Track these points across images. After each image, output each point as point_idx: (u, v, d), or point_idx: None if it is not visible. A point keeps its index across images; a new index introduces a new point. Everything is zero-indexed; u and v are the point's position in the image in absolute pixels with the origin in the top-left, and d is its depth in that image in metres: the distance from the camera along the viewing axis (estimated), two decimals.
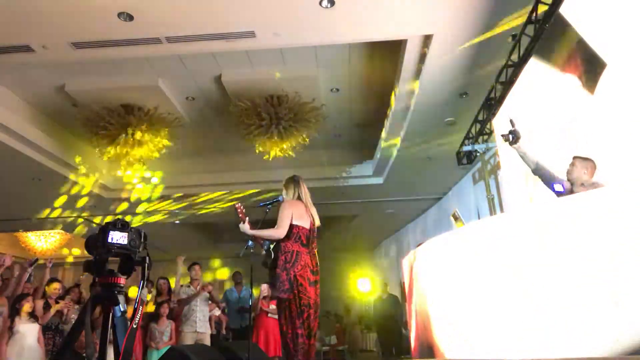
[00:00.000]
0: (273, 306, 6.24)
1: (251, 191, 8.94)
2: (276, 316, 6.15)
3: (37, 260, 4.69)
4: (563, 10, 3.62)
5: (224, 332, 6.27)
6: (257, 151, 6.74)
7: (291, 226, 3.27)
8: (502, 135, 3.30)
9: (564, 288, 2.04)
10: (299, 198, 3.44)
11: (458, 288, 2.70)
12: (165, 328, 5.36)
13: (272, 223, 3.39)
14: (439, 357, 2.87)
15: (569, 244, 2.03)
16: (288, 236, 3.27)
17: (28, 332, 4.41)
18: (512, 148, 3.22)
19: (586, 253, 1.97)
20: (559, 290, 2.05)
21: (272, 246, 3.35)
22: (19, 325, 4.38)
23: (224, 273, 15.45)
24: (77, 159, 7.52)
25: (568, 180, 2.98)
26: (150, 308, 5.75)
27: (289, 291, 3.10)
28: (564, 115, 3.71)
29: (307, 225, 3.33)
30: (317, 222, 3.47)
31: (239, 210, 3.46)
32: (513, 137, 3.13)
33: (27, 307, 4.45)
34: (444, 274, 2.88)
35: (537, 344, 2.09)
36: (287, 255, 3.19)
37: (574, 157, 3.00)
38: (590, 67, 3.30)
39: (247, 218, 3.38)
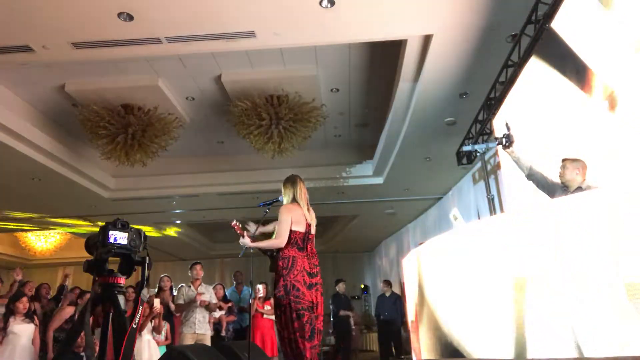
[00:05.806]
0: (268, 307, 6.23)
1: (251, 191, 8.93)
2: (272, 317, 6.17)
3: None
4: (562, 11, 3.61)
5: (223, 333, 6.24)
6: (257, 151, 6.73)
7: (289, 232, 3.29)
8: (496, 139, 3.31)
9: (564, 289, 2.03)
10: (294, 199, 3.43)
11: (458, 288, 2.70)
12: (160, 329, 5.33)
13: (271, 222, 3.41)
14: (440, 357, 2.87)
15: (569, 243, 2.03)
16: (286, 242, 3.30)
17: (22, 332, 4.38)
18: (505, 152, 3.24)
19: (587, 254, 1.97)
20: (559, 291, 2.04)
21: (274, 251, 3.37)
22: (13, 325, 4.35)
23: (223, 273, 15.44)
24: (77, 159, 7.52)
25: (562, 183, 3.00)
26: None
27: (284, 297, 3.15)
28: (559, 118, 3.71)
29: (302, 229, 3.34)
30: (314, 222, 3.47)
31: (235, 227, 3.50)
32: (507, 142, 3.15)
33: (21, 307, 4.43)
34: (444, 273, 2.88)
35: (537, 344, 2.09)
36: (284, 262, 3.23)
37: (564, 160, 3.04)
38: (582, 70, 3.30)
39: (245, 232, 3.44)
